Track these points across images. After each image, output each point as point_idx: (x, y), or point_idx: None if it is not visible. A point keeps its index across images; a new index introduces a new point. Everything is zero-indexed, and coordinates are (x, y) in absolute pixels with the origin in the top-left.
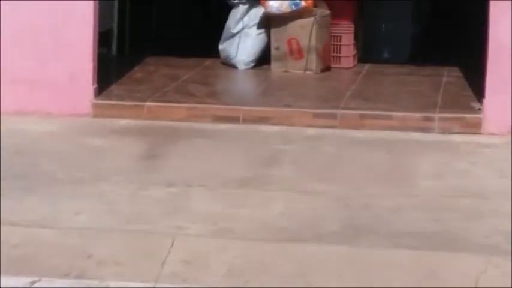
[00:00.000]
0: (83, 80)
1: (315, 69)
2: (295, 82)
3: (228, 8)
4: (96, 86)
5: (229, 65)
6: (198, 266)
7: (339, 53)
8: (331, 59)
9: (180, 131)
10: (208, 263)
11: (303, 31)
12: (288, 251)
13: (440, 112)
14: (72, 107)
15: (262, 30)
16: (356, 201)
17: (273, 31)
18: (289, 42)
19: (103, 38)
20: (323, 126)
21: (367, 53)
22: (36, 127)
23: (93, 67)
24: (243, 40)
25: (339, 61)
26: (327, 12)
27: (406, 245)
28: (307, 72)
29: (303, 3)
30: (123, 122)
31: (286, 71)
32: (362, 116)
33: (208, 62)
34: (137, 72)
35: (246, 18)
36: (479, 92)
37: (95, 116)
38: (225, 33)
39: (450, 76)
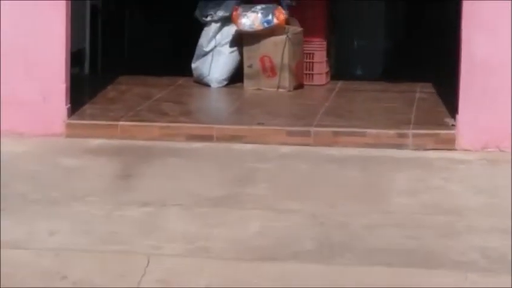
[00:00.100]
0: (55, 99)
1: (288, 87)
2: (268, 100)
3: (200, 26)
4: (69, 105)
5: (202, 83)
6: (174, 286)
7: (312, 70)
8: (304, 76)
9: (153, 150)
10: (184, 283)
11: (276, 49)
12: (264, 270)
13: (414, 128)
14: (46, 127)
15: (234, 48)
16: (331, 219)
17: (245, 49)
18: (262, 60)
19: (75, 58)
20: (297, 144)
21: (339, 70)
22: (9, 148)
23: (66, 87)
24: (215, 58)
25: (312, 78)
26: (299, 29)
27: (382, 262)
28: (280, 89)
29: (275, 21)
30: (96, 141)
31: (259, 89)
32: (336, 134)
33: (181, 80)
34: (110, 92)
35: (218, 36)
36: (452, 108)
37: (68, 136)
38: (197, 52)
39: (423, 92)
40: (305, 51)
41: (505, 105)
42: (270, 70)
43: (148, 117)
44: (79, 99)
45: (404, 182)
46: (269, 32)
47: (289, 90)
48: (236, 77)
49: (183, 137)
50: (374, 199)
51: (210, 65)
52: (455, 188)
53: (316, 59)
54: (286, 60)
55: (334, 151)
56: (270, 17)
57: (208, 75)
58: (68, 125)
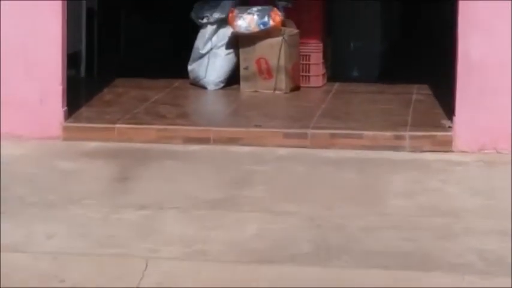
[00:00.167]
0: (52, 102)
1: (285, 89)
2: (264, 102)
3: (196, 29)
4: (65, 108)
5: (198, 85)
6: None
7: (308, 72)
8: (301, 78)
9: (150, 153)
10: (182, 286)
11: (272, 50)
12: (261, 272)
13: (410, 130)
14: (42, 130)
15: (231, 50)
16: (328, 221)
17: (241, 51)
18: (258, 62)
19: (71, 60)
20: (294, 146)
21: (336, 71)
22: (6, 151)
23: (63, 89)
24: (212, 60)
25: (308, 80)
26: (296, 31)
27: (379, 264)
28: (277, 91)
29: (271, 23)
30: (93, 144)
31: (255, 91)
32: (332, 136)
33: (177, 83)
34: (106, 94)
35: (214, 39)
36: (449, 110)
37: (65, 138)
38: (193, 54)
39: (420, 94)
40: (301, 53)
41: (502, 107)
42: (266, 72)
43: (145, 120)
44: (76, 102)
45: (401, 184)
46: (265, 34)
47: (286, 92)
48: (232, 79)
49: (180, 139)
50: (371, 201)
51: (207, 67)
52: (452, 190)
53: (312, 60)
54: (282, 62)
55: (331, 153)
56: (266, 18)
57: (205, 77)
58: (65, 128)
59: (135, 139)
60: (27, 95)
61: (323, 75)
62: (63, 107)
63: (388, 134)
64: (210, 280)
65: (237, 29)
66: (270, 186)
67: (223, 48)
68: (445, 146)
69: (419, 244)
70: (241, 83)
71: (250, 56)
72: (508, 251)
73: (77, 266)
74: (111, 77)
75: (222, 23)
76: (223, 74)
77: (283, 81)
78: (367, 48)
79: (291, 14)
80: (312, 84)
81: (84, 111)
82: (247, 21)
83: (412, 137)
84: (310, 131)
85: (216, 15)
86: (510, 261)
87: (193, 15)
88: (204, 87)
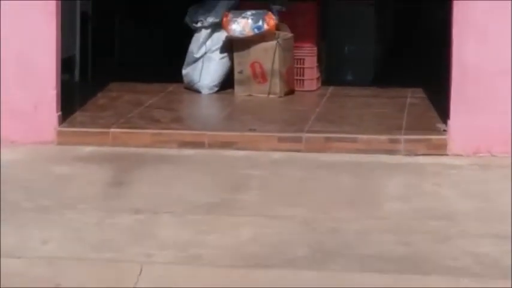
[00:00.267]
0: (46, 107)
1: (279, 93)
2: (259, 106)
3: (190, 33)
4: (60, 113)
5: (192, 89)
6: None
7: (303, 75)
8: (295, 82)
9: (145, 157)
10: None
11: (266, 54)
12: (256, 276)
13: (405, 134)
14: (37, 134)
15: (225, 54)
16: (324, 225)
17: (236, 55)
18: (252, 66)
19: (65, 65)
20: (288, 150)
21: (330, 75)
22: (1, 156)
23: (57, 94)
24: (206, 64)
25: (303, 84)
26: (290, 35)
27: (375, 268)
28: (271, 95)
29: (266, 27)
30: (88, 149)
31: (250, 95)
32: (327, 139)
33: (171, 87)
34: (100, 99)
35: (208, 43)
36: (443, 113)
37: (60, 143)
38: (188, 58)
39: (414, 97)
40: (296, 57)
41: (496, 110)
42: (260, 76)
43: (140, 124)
44: (70, 107)
45: (397, 188)
46: (259, 38)
47: (280, 96)
48: (227, 83)
49: (175, 143)
50: (366, 205)
51: (201, 72)
52: (447, 193)
53: (306, 64)
54: (276, 66)
55: (325, 157)
56: (260, 23)
57: (199, 81)
58: (59, 133)
59: (130, 143)
60: (21, 100)
61: (317, 79)
62: (57, 111)
63: (383, 137)
64: (205, 284)
65: (231, 33)
66: (265, 190)
67: (218, 52)
68: (440, 149)
69: (415, 247)
70: (236, 87)
71: (245, 60)
72: (503, 254)
73: (72, 270)
74: (105, 82)
75: (216, 27)
76: (217, 78)
77: (277, 85)
78: (361, 52)
79: (285, 18)
80: (306, 88)
81: (78, 115)
82: (241, 25)
83: (406, 141)
84: (304, 135)
85: (210, 19)
86: (506, 264)
87: (187, 19)
88: (198, 91)
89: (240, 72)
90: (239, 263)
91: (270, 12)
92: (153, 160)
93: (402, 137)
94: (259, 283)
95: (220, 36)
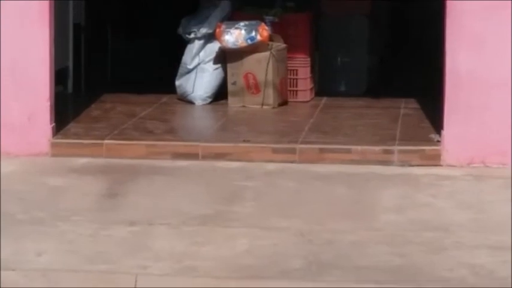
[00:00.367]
0: (40, 119)
1: (272, 104)
2: (253, 117)
3: (183, 44)
4: (53, 124)
5: (186, 101)
6: None
7: (296, 86)
8: (288, 93)
9: (139, 169)
10: None
11: (260, 65)
12: None
13: (399, 145)
14: (31, 146)
15: (218, 66)
16: (319, 236)
17: (229, 66)
18: (245, 76)
19: (59, 76)
20: (282, 161)
21: (324, 86)
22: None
23: (51, 106)
24: (199, 76)
25: (296, 95)
26: (283, 45)
27: (370, 279)
28: (265, 106)
29: (259, 38)
30: (82, 160)
31: (243, 106)
32: (321, 150)
33: (165, 98)
34: (94, 110)
35: (202, 54)
36: (437, 124)
37: (54, 155)
38: (181, 69)
39: (408, 108)
40: (289, 68)
41: (490, 120)
42: (254, 87)
43: (134, 136)
44: (63, 118)
45: (391, 199)
46: (253, 48)
47: (274, 107)
48: (220, 94)
49: (169, 155)
50: (361, 216)
51: (194, 83)
52: (442, 204)
53: (300, 75)
54: (270, 77)
55: (319, 168)
56: (253, 33)
57: (192, 92)
58: (53, 144)
59: (124, 155)
60: (15, 112)
61: (311, 89)
62: (51, 123)
63: (377, 148)
64: None
65: (225, 44)
66: (260, 202)
67: (211, 63)
68: (434, 160)
69: (410, 259)
70: (229, 98)
71: (238, 71)
72: (499, 265)
73: (67, 282)
74: (98, 93)
75: (210, 38)
76: (210, 89)
77: (271, 96)
78: (355, 63)
79: (278, 29)
80: (299, 99)
81: (72, 127)
82: (234, 36)
83: (400, 151)
84: (298, 146)
85: (204, 30)
86: (501, 275)
87: (180, 30)
88: (191, 103)
89: (234, 83)
90: (234, 275)
91: (263, 23)
92: (147, 172)
93: (396, 148)
94: None
95: (213, 47)
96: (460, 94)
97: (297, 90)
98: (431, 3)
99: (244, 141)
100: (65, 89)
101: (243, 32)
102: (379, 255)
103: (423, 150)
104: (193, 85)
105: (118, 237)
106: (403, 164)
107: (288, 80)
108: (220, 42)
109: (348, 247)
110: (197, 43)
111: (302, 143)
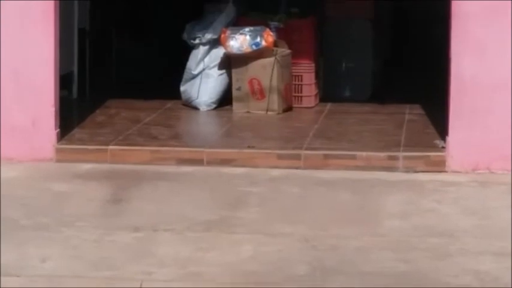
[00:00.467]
0: (45, 124)
1: (277, 110)
2: (257, 123)
3: (188, 49)
4: (58, 130)
5: (190, 106)
6: None
7: (301, 92)
8: (293, 98)
9: (144, 175)
10: None
11: (264, 71)
12: None
13: (404, 151)
14: (35, 152)
15: (223, 71)
16: (323, 242)
17: (234, 71)
18: (250, 82)
19: (63, 81)
20: (287, 167)
21: (328, 91)
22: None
23: (55, 111)
24: (204, 81)
25: (301, 101)
26: (288, 51)
27: (375, 285)
28: (269, 112)
29: (264, 43)
30: (86, 166)
31: (248, 112)
32: (326, 156)
33: (169, 104)
34: (99, 116)
35: (206, 59)
36: (442, 130)
37: (58, 160)
38: (185, 75)
39: (412, 114)
40: (294, 74)
41: (494, 126)
42: (258, 93)
43: (138, 141)
44: (68, 123)
45: (396, 205)
46: (257, 54)
47: (279, 113)
48: (225, 100)
49: (173, 161)
50: (366, 222)
51: (199, 88)
52: (447, 210)
53: (304, 81)
54: (274, 83)
55: (324, 174)
56: (258, 39)
57: (197, 98)
58: (58, 150)
59: (128, 161)
60: (20, 117)
61: (315, 95)
62: (55, 128)
63: (382, 154)
64: None
65: (230, 50)
66: (265, 208)
67: (216, 68)
68: (439, 166)
69: (415, 265)
70: (234, 103)
71: (243, 76)
72: (504, 271)
73: None
74: (103, 98)
75: (214, 43)
76: (215, 94)
77: (275, 102)
78: (359, 68)
79: (283, 35)
80: (304, 105)
81: (76, 132)
82: (239, 41)
83: (405, 158)
84: (303, 152)
85: (208, 35)
86: (506, 281)
87: (185, 35)
88: (196, 108)
89: (238, 89)
90: (239, 281)
91: (267, 29)
92: (152, 177)
93: (401, 154)
94: None
95: (218, 53)
96: (464, 100)
97: (301, 96)
98: (434, 2)
99: (248, 147)
100: (69, 94)
101: (247, 37)
102: (383, 261)
103: (428, 156)
104: (198, 91)
105: (122, 243)
106: (408, 170)
107: (293, 86)
108: (225, 48)
109: (353, 253)
110: (202, 49)
111: (307, 149)
